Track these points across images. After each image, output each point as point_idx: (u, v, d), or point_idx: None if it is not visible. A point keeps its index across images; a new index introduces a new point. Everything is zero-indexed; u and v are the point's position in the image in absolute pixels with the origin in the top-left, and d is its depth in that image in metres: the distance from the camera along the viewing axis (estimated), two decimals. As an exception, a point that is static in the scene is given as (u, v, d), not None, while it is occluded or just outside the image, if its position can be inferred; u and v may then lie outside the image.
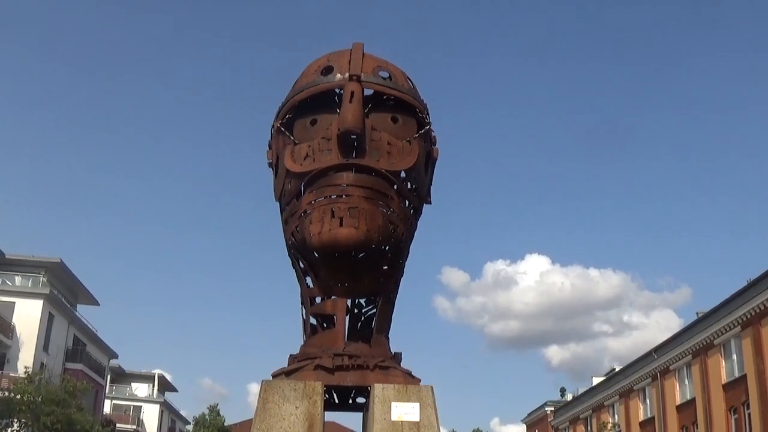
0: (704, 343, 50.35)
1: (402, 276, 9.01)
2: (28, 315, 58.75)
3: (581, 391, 76.74)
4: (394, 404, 7.93)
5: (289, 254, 8.87)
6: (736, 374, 46.69)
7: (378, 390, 7.99)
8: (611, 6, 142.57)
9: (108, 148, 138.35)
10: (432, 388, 8.13)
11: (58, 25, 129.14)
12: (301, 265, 8.74)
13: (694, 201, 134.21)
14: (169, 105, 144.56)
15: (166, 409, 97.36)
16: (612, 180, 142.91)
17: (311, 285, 8.78)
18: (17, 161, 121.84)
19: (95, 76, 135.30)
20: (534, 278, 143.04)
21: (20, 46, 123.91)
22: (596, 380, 73.81)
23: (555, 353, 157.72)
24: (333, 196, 8.04)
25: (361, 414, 8.75)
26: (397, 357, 8.72)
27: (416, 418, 7.91)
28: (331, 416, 9.54)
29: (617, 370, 68.77)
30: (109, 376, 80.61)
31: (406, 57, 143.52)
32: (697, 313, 54.46)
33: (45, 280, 62.29)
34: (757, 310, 44.20)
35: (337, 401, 8.86)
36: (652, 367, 58.20)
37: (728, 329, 47.42)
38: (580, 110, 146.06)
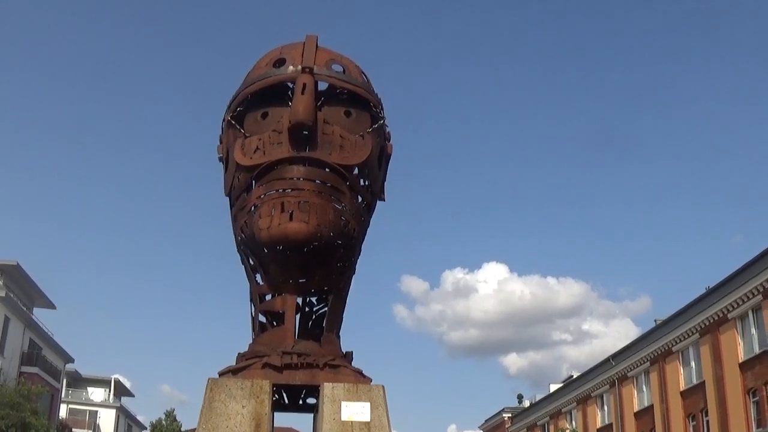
0: (662, 350, 50.64)
1: (354, 273, 8.83)
2: (-18, 317, 57.90)
3: (539, 397, 76.94)
4: (344, 404, 7.75)
5: (238, 250, 8.67)
6: (695, 381, 47.00)
7: (327, 389, 7.81)
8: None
9: (66, 153, 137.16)
10: (383, 387, 7.96)
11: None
12: (251, 261, 8.53)
13: (653, 210, 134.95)
14: (132, 111, 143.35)
15: (123, 414, 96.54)
16: (569, 189, 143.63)
17: (261, 282, 8.56)
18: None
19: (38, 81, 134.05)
20: (493, 287, 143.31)
21: None
22: (554, 387, 74.03)
23: (513, 361, 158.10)
24: (283, 190, 7.86)
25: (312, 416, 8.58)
26: (348, 356, 8.53)
27: (366, 418, 7.74)
28: (288, 422, 9.34)
29: (575, 377, 69.01)
30: (65, 381, 79.63)
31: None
32: (655, 321, 54.79)
33: (1, 283, 61.48)
34: (716, 318, 44.52)
35: (287, 402, 8.64)
36: (610, 373, 58.44)
37: (687, 336, 47.73)
38: (541, 117, 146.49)
